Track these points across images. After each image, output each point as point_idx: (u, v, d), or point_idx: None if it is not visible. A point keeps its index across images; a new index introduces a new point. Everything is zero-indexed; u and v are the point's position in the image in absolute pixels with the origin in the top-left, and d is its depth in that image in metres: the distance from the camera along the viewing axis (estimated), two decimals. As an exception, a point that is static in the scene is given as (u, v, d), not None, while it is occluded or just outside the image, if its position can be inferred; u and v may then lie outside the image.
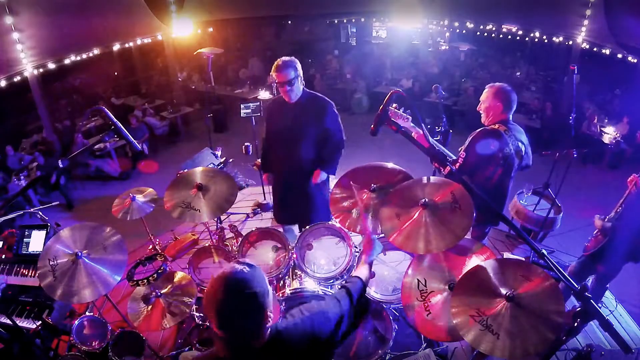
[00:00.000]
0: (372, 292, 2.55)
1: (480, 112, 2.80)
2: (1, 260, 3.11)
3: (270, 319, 1.28)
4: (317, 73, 10.84)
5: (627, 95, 7.98)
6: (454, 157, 2.78)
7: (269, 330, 1.32)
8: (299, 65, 2.97)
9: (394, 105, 2.88)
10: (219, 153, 4.60)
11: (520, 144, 2.68)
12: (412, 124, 2.88)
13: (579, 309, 1.39)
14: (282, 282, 2.80)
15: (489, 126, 2.71)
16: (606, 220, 2.98)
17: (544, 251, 1.50)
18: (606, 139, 7.33)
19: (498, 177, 2.67)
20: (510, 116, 2.71)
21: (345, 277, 2.65)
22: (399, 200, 2.15)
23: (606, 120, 7.68)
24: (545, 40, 8.55)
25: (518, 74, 10.35)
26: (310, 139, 3.10)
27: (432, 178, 2.27)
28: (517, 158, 2.69)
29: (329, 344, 1.43)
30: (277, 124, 3.19)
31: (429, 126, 3.03)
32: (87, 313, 2.89)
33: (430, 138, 2.89)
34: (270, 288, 1.31)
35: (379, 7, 10.39)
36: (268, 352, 1.30)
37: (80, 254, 2.33)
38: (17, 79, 6.50)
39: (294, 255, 2.70)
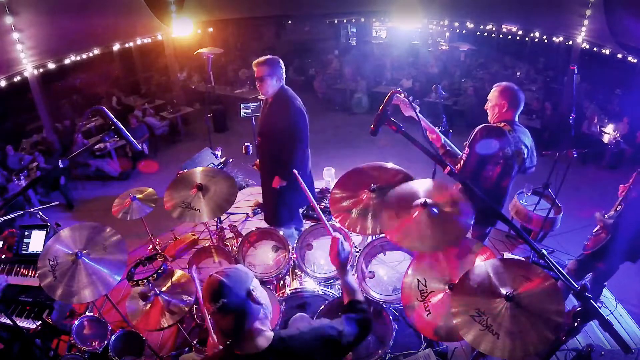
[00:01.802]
0: (372, 292, 2.55)
1: (487, 111, 2.79)
2: (1, 260, 3.11)
3: (256, 301, 1.34)
4: (318, 73, 10.84)
5: (627, 95, 7.99)
6: (459, 153, 2.76)
7: (272, 335, 1.35)
8: (279, 65, 3.06)
9: (402, 95, 2.79)
10: (219, 153, 4.60)
11: (522, 146, 2.64)
12: (420, 115, 2.81)
13: (579, 309, 1.39)
14: (282, 282, 2.81)
15: (493, 123, 2.70)
16: (605, 217, 2.97)
17: (544, 251, 1.50)
18: (606, 139, 7.33)
19: (497, 176, 2.66)
20: (517, 117, 2.68)
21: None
22: (399, 200, 2.15)
23: (606, 120, 7.69)
24: (545, 40, 8.56)
25: (518, 74, 10.36)
26: (270, 135, 3.21)
27: (432, 179, 2.27)
28: (517, 161, 2.65)
29: (333, 356, 1.44)
30: (259, 119, 3.43)
31: (429, 126, 3.01)
32: (87, 313, 2.89)
33: (434, 128, 2.87)
34: (254, 277, 1.39)
35: (379, 7, 10.40)
36: (268, 357, 1.32)
37: (80, 254, 2.33)
38: (17, 79, 6.51)
39: (294, 255, 2.71)
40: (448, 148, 2.82)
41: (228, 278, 1.31)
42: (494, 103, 2.70)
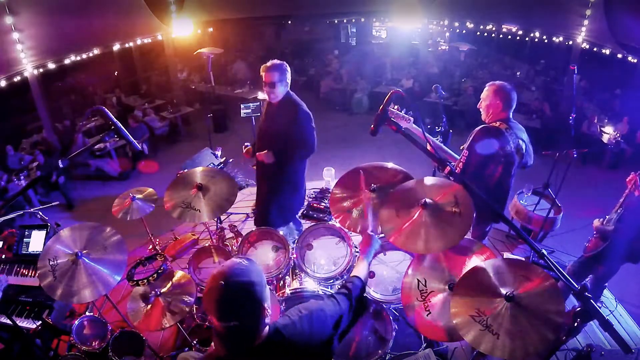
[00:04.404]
0: (372, 292, 2.55)
1: (481, 109, 2.81)
2: (1, 260, 3.11)
3: (268, 315, 1.29)
4: (322, 74, 10.84)
5: (627, 95, 7.98)
6: (457, 157, 2.78)
7: (268, 328, 1.32)
8: (287, 70, 3.06)
9: (396, 107, 2.88)
10: (219, 153, 4.61)
11: (520, 141, 2.70)
12: (414, 125, 2.87)
13: (579, 309, 1.39)
14: (282, 282, 2.80)
15: (489, 124, 2.72)
16: (605, 221, 2.98)
17: (544, 251, 1.50)
18: (606, 138, 7.33)
19: (499, 175, 2.68)
20: (511, 114, 2.73)
21: (345, 277, 2.65)
22: (400, 200, 2.15)
23: (606, 120, 7.68)
24: (545, 40, 8.56)
25: (518, 74, 10.36)
26: (275, 140, 3.17)
27: (433, 178, 2.27)
28: (518, 156, 2.71)
29: (328, 342, 1.43)
30: (261, 120, 3.40)
31: (429, 126, 3.03)
32: (87, 313, 2.89)
33: (432, 139, 2.90)
34: (267, 285, 1.32)
35: (379, 7, 10.40)
36: (267, 350, 1.30)
37: (80, 254, 2.33)
38: (17, 79, 6.50)
39: (294, 255, 2.71)
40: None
41: (243, 291, 1.22)
42: (488, 103, 2.74)
